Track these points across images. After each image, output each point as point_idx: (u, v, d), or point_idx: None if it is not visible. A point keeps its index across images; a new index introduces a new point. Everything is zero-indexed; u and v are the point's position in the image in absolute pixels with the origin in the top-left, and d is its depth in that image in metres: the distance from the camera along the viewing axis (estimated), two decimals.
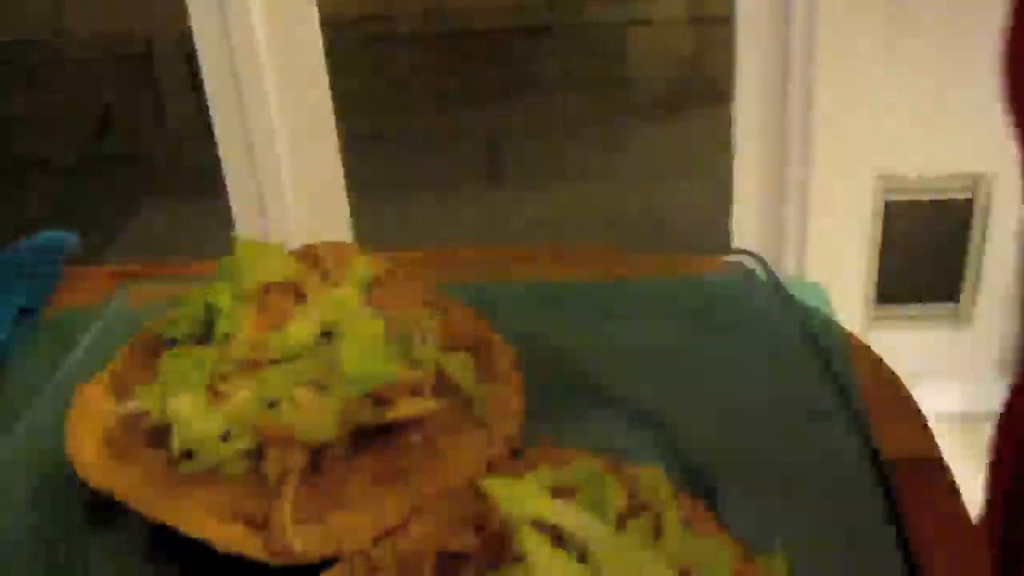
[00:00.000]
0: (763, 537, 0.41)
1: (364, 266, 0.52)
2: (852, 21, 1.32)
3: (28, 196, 2.05)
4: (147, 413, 0.46)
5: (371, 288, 0.51)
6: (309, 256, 0.53)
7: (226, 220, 1.52)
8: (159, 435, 0.45)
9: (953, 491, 0.47)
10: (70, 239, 0.67)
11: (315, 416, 0.44)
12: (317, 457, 0.44)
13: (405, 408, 0.45)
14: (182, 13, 1.41)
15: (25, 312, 0.62)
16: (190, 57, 1.46)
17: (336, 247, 0.54)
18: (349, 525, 0.43)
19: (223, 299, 0.48)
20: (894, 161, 1.45)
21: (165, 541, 0.44)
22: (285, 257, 0.51)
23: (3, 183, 2.09)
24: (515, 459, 0.45)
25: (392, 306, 0.50)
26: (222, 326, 0.47)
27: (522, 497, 0.36)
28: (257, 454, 0.44)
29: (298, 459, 0.44)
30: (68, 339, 0.54)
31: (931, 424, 0.51)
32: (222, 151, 1.50)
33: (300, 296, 0.49)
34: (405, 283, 0.53)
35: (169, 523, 0.43)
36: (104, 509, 0.45)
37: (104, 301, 0.56)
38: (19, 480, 0.48)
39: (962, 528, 0.45)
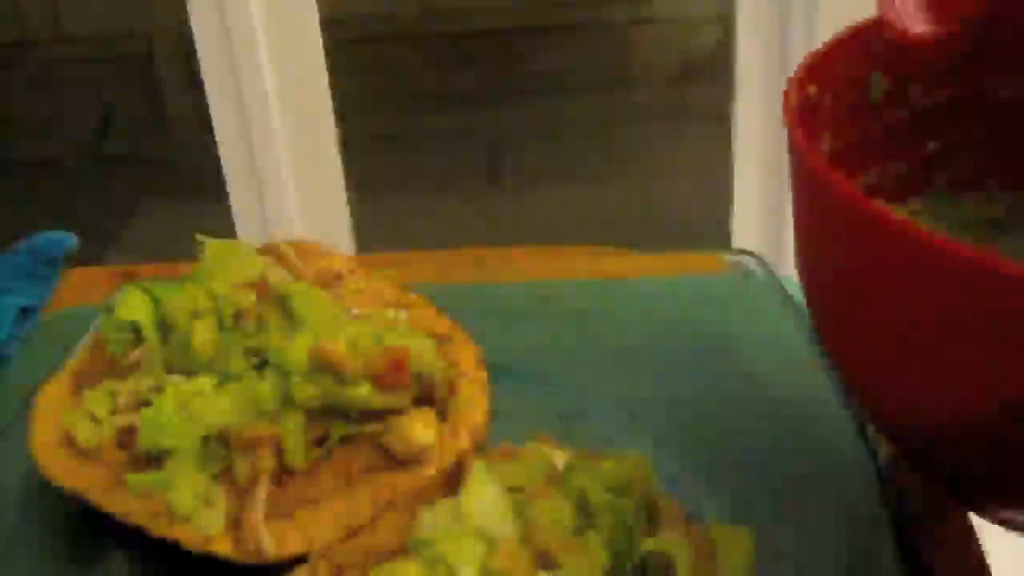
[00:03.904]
0: (762, 536, 0.41)
1: (328, 264, 0.52)
2: (852, 21, 1.32)
3: (28, 196, 2.04)
4: (113, 413, 0.46)
5: (335, 286, 0.51)
6: (272, 253, 0.52)
7: (226, 220, 1.52)
8: (126, 434, 0.45)
9: None
10: (70, 239, 0.67)
11: (285, 418, 0.44)
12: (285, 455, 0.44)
13: (374, 402, 0.45)
14: (182, 13, 1.41)
15: (25, 312, 0.62)
16: (190, 57, 1.46)
17: (298, 245, 0.54)
18: (319, 523, 0.43)
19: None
20: None
21: (139, 542, 0.44)
22: (254, 256, 0.51)
23: (3, 183, 2.09)
24: (480, 454, 0.45)
25: (356, 304, 0.50)
26: (181, 330, 0.47)
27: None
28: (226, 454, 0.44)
29: (269, 461, 0.44)
30: (68, 339, 0.54)
31: None
32: (222, 151, 1.50)
33: (268, 293, 0.49)
34: (369, 281, 0.53)
35: (138, 524, 0.43)
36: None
37: (104, 301, 0.56)
38: (18, 481, 0.48)
39: (962, 528, 0.45)
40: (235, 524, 0.43)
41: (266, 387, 0.44)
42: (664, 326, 0.56)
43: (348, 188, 1.55)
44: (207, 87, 1.45)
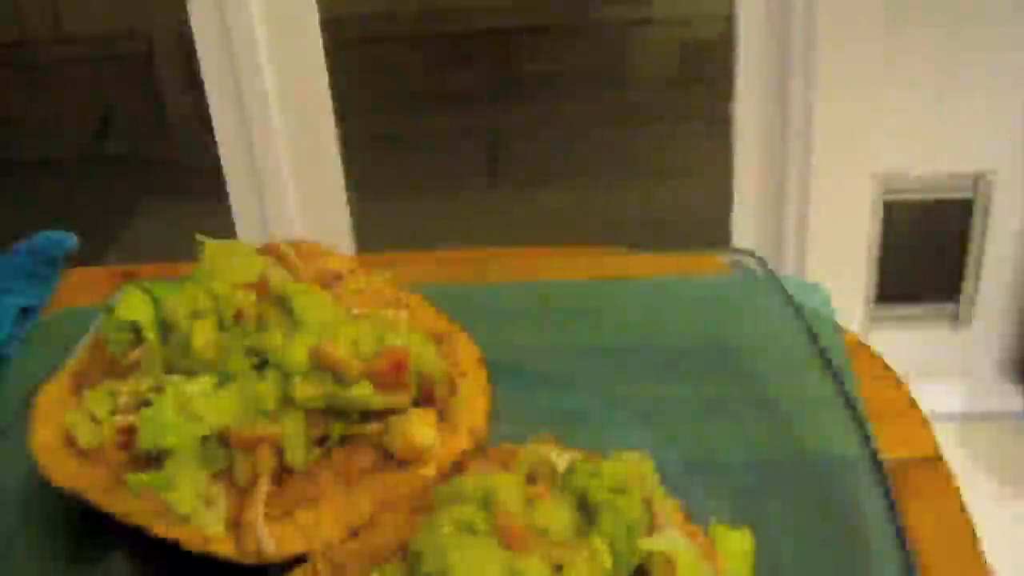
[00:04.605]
0: (762, 536, 0.41)
1: (328, 264, 0.52)
2: (852, 21, 1.32)
3: (28, 196, 2.04)
4: (113, 413, 0.46)
5: (335, 286, 0.51)
6: (272, 253, 0.52)
7: (226, 220, 1.52)
8: (126, 434, 0.45)
9: (953, 491, 0.47)
10: (70, 239, 0.67)
11: (285, 419, 0.44)
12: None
13: (374, 402, 0.45)
14: (182, 13, 1.41)
15: (25, 312, 0.62)
16: (190, 57, 1.46)
17: (298, 245, 0.54)
18: (319, 523, 0.43)
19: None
20: (894, 161, 1.45)
21: (139, 542, 0.44)
22: (254, 256, 0.51)
23: (3, 183, 2.09)
24: (481, 453, 0.45)
25: (356, 303, 0.50)
26: (181, 330, 0.47)
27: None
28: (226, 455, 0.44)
29: (269, 461, 0.44)
30: (68, 339, 0.54)
31: (931, 424, 0.51)
32: (222, 151, 1.50)
33: (268, 293, 0.49)
34: (369, 281, 0.53)
35: (138, 524, 0.43)
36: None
37: (104, 301, 0.56)
38: (18, 481, 0.48)
39: (962, 528, 0.45)
40: (235, 524, 0.43)
41: (266, 387, 0.44)
42: (664, 326, 0.56)
43: (348, 188, 1.56)
44: (207, 87, 1.45)
